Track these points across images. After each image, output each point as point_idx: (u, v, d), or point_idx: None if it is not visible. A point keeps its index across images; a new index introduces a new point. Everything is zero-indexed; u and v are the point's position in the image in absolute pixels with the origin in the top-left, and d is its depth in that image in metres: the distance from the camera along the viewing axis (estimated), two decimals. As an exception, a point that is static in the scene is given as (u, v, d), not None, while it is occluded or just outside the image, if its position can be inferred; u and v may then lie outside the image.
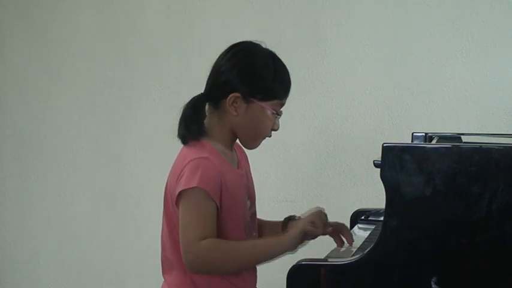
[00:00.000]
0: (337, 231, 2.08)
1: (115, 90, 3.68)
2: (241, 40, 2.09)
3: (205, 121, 2.04)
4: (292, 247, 1.91)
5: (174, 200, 1.95)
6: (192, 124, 2.01)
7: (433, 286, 1.76)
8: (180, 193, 1.92)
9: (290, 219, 2.16)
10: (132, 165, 3.67)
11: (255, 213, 2.15)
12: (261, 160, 3.37)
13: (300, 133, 3.38)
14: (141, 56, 3.63)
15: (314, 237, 1.98)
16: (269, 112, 2.01)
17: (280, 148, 3.40)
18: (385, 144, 1.78)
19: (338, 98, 3.34)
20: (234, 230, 2.00)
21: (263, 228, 2.20)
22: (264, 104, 2.00)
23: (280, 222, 2.18)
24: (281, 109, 2.06)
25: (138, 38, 3.64)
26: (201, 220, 1.90)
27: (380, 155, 1.78)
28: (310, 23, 3.36)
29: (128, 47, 3.66)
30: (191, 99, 2.04)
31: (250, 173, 2.18)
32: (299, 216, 2.15)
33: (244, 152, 2.17)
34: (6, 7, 3.84)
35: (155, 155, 3.60)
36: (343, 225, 2.13)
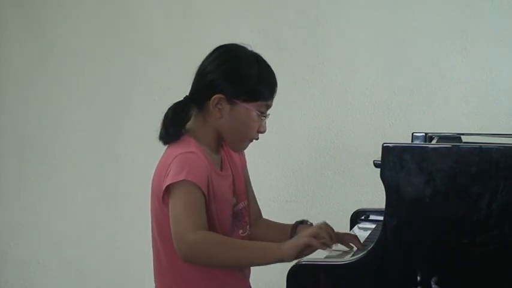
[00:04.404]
0: (346, 240, 2.05)
1: (115, 90, 3.68)
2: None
3: (190, 123, 2.03)
4: (290, 258, 1.83)
5: (161, 197, 1.93)
6: (171, 126, 2.00)
7: (433, 286, 1.76)
8: (168, 187, 1.90)
9: (301, 223, 2.14)
10: (132, 165, 3.66)
11: (243, 209, 2.13)
12: (261, 160, 3.38)
13: (300, 133, 3.38)
14: (141, 56, 3.63)
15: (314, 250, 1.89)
16: (254, 113, 1.99)
17: (280, 148, 3.40)
18: (385, 144, 1.78)
19: (338, 98, 3.34)
20: (214, 227, 1.97)
21: (271, 230, 2.18)
22: (248, 106, 1.98)
23: (290, 225, 2.15)
24: (267, 111, 2.03)
25: (138, 38, 3.64)
26: (192, 210, 1.87)
27: (380, 155, 1.78)
28: (310, 23, 3.36)
29: (128, 47, 3.65)
30: (175, 102, 2.04)
31: (243, 174, 2.17)
32: (311, 222, 2.14)
33: (237, 153, 2.15)
34: (6, 7, 3.83)
35: (155, 155, 3.57)
36: (350, 234, 2.10)
